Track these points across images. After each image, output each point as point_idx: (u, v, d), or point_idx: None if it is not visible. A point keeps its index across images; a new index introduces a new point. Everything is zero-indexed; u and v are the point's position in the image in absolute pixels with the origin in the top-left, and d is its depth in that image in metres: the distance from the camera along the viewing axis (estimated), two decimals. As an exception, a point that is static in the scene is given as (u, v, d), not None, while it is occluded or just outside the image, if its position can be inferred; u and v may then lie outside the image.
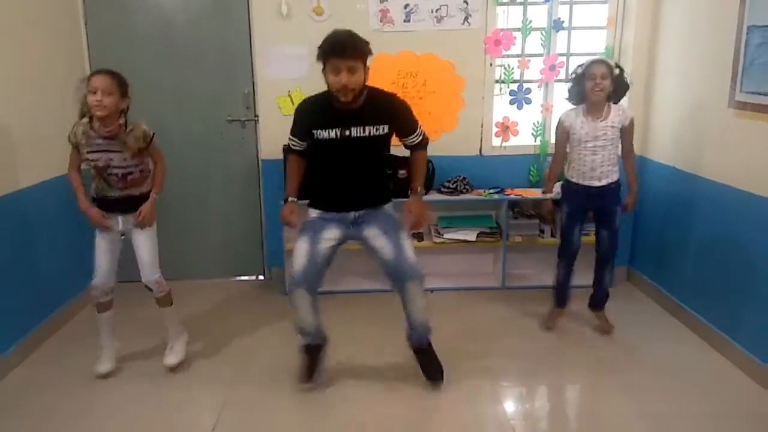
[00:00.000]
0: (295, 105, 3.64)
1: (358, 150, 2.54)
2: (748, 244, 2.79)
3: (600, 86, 2.88)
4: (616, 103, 3.02)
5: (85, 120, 2.63)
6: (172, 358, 2.90)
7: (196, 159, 3.90)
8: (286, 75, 3.74)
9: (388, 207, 2.70)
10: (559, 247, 3.23)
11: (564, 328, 3.30)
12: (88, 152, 2.64)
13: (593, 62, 2.94)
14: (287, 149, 2.76)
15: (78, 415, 2.56)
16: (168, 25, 3.75)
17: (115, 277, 2.80)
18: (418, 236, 3.89)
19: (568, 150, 3.10)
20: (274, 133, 3.76)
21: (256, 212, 4.03)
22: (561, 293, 3.29)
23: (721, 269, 3.00)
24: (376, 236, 2.58)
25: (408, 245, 2.59)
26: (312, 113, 2.55)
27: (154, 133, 2.70)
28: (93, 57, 3.75)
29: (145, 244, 2.75)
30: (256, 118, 3.87)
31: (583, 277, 3.32)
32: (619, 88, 2.97)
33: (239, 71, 3.81)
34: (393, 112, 2.56)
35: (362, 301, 3.60)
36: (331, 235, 2.58)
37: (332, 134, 2.50)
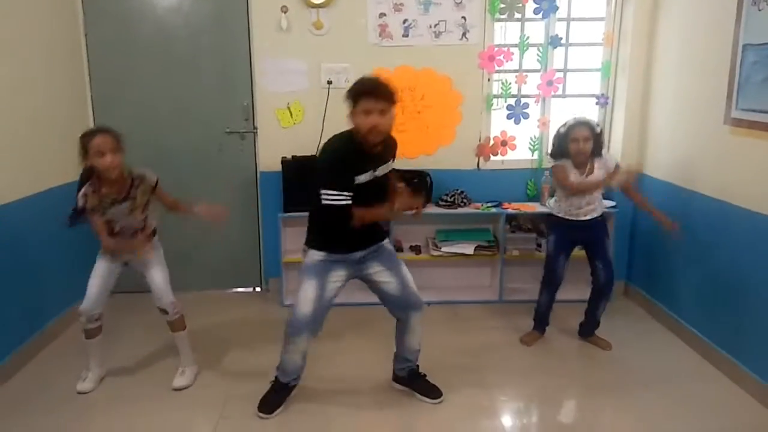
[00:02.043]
0: (294, 118, 3.77)
1: (379, 188, 2.51)
2: (745, 259, 2.80)
3: (583, 150, 2.97)
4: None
5: (90, 188, 2.55)
6: (181, 380, 2.84)
7: (194, 170, 3.91)
8: (286, 88, 3.76)
9: (387, 242, 2.68)
10: (544, 276, 3.26)
11: (562, 343, 3.30)
12: (102, 218, 2.60)
13: (576, 125, 2.99)
14: (344, 213, 2.36)
15: None
16: (168, 37, 3.77)
17: (103, 305, 2.73)
18: (416, 249, 3.90)
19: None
20: (273, 146, 3.78)
21: (254, 224, 4.04)
22: (542, 319, 3.33)
23: (718, 285, 3.00)
24: (381, 272, 2.59)
25: (410, 277, 2.63)
26: (351, 161, 2.40)
27: (158, 179, 2.69)
28: (93, 69, 3.76)
29: (155, 269, 2.74)
30: (255, 130, 3.88)
31: (576, 291, 3.34)
32: (597, 147, 3.02)
33: (238, 83, 3.83)
34: (394, 148, 2.59)
35: (351, 314, 3.53)
36: (337, 276, 2.53)
37: (367, 177, 2.42)
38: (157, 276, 2.74)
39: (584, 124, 2.99)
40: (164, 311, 2.78)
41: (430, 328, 3.45)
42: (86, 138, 2.50)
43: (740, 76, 2.76)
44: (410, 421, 2.63)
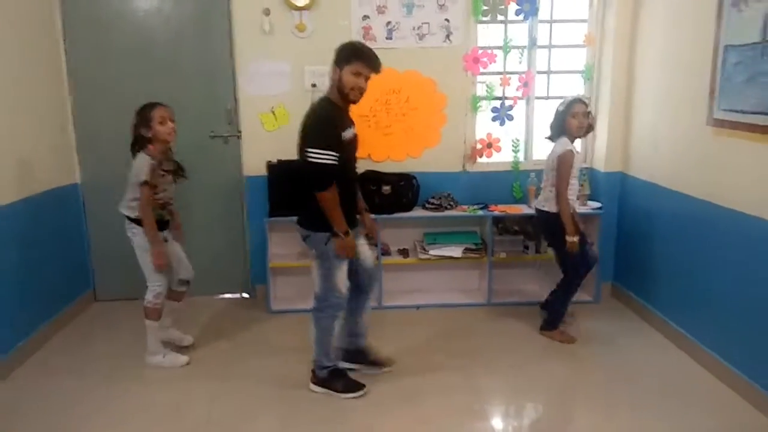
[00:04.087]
0: (278, 121, 3.74)
1: (356, 148, 2.73)
2: (729, 259, 2.82)
3: (583, 124, 3.13)
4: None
5: (149, 158, 2.72)
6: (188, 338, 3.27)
7: (177, 176, 3.86)
8: (269, 91, 3.73)
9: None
10: (582, 269, 3.32)
11: (550, 345, 3.30)
12: (158, 191, 2.79)
13: (575, 102, 3.14)
14: (327, 175, 2.49)
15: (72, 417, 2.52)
16: (148, 41, 3.72)
17: None
18: (404, 252, 3.88)
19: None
20: (258, 149, 3.75)
21: (240, 229, 3.99)
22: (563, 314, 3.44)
23: (704, 285, 3.02)
24: (362, 244, 2.82)
25: None
26: (338, 118, 2.59)
27: None
28: (71, 74, 3.70)
29: (180, 247, 3.13)
30: (239, 134, 3.84)
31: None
32: (590, 124, 3.23)
33: (221, 87, 3.79)
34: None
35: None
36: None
37: (350, 133, 2.63)
38: (182, 252, 3.12)
39: (580, 100, 3.17)
40: (187, 282, 3.15)
41: (419, 330, 3.47)
42: (148, 108, 2.75)
43: (722, 76, 2.78)
44: (398, 421, 2.60)
